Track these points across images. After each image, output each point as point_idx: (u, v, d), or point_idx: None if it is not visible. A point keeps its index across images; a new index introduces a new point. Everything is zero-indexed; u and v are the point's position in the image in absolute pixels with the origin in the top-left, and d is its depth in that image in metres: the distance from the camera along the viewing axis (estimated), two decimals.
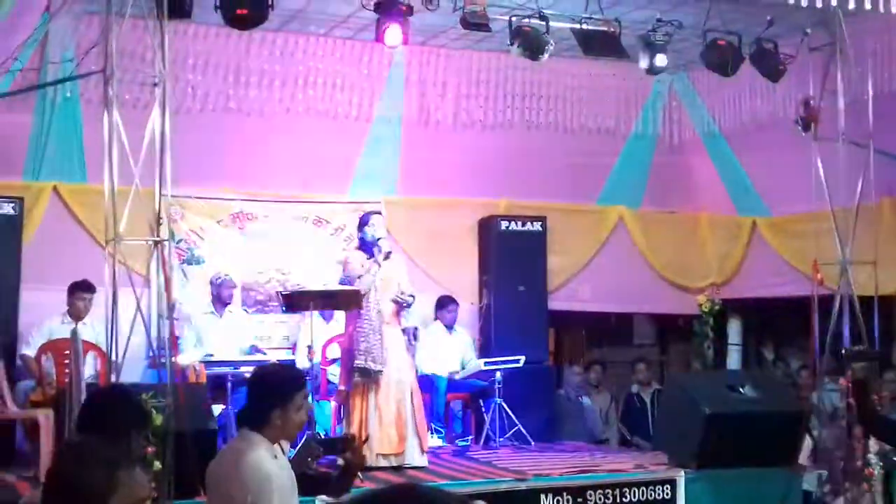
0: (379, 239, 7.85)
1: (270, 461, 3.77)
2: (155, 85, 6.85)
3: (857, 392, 5.57)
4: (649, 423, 10.07)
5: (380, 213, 8.30)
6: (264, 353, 8.91)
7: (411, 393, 7.83)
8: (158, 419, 6.16)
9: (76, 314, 8.32)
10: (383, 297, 7.79)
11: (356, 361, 7.63)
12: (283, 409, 3.82)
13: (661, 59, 8.50)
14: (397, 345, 7.87)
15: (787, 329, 10.99)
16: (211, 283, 9.08)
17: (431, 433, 8.82)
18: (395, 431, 7.63)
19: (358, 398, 7.69)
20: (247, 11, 7.27)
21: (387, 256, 7.78)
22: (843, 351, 7.64)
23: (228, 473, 3.75)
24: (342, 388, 7.95)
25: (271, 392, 3.88)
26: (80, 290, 8.29)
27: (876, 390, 6.24)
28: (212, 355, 8.55)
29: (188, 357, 8.36)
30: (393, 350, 7.79)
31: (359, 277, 7.73)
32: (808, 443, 7.53)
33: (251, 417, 3.85)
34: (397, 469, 7.56)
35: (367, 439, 7.21)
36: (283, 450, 3.99)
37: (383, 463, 7.58)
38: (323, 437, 7.62)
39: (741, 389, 7.76)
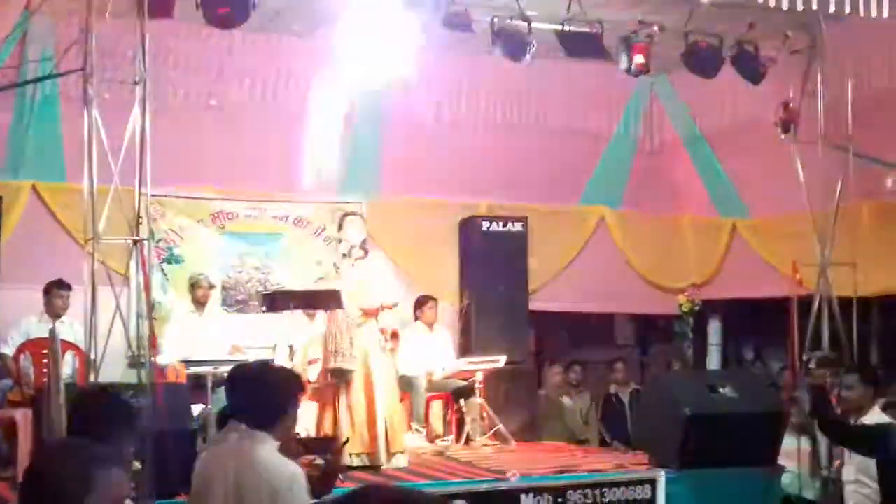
0: (358, 242, 7.86)
1: (284, 457, 3.77)
2: (136, 83, 6.82)
3: (815, 397, 5.60)
4: (627, 424, 10.09)
5: (354, 213, 8.25)
6: (244, 353, 8.87)
7: (386, 393, 7.81)
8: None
9: (54, 312, 8.28)
10: (361, 296, 7.79)
11: (329, 364, 7.63)
12: (291, 409, 3.85)
13: (639, 60, 8.52)
14: (372, 344, 7.85)
15: (767, 330, 11.04)
16: (189, 282, 9.05)
17: (412, 432, 8.82)
18: (366, 431, 7.61)
19: (330, 398, 7.67)
20: (228, 10, 7.25)
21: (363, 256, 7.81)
22: (804, 356, 7.68)
23: (247, 472, 3.72)
24: (317, 387, 7.94)
25: (280, 392, 3.88)
26: (57, 287, 8.26)
27: (835, 395, 6.25)
28: (193, 354, 8.51)
29: (167, 357, 8.32)
30: (367, 349, 7.78)
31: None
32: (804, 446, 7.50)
33: (257, 417, 3.83)
34: (376, 469, 7.55)
35: (346, 441, 7.21)
36: None
37: (356, 462, 7.57)
38: (303, 437, 7.60)
39: (721, 390, 7.77)
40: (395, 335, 8.10)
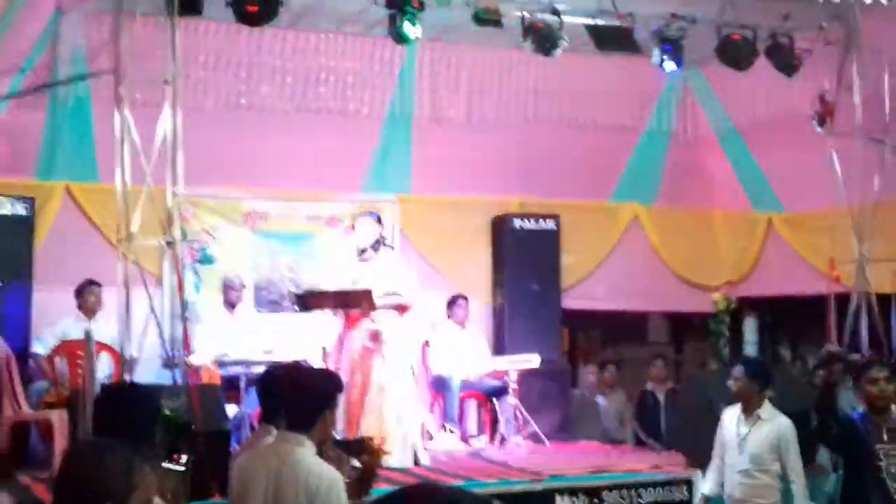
0: (370, 243, 7.84)
1: (324, 462, 3.74)
2: (166, 83, 6.83)
3: (822, 394, 5.54)
4: (661, 422, 9.98)
5: (367, 213, 8.20)
6: (272, 353, 8.86)
7: (399, 400, 7.74)
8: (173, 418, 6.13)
9: (90, 309, 8.34)
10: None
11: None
12: (330, 411, 3.82)
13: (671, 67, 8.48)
14: (361, 345, 7.80)
15: (804, 327, 10.90)
16: (221, 283, 9.07)
17: (445, 432, 8.78)
18: (376, 432, 7.59)
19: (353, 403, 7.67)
20: (257, 8, 7.25)
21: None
22: (822, 351, 7.58)
23: (286, 475, 3.69)
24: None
25: (318, 395, 3.86)
26: (88, 285, 8.33)
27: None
28: (226, 354, 8.52)
29: (201, 357, 8.32)
30: (378, 360, 7.75)
31: None
32: None
33: (294, 420, 3.80)
34: (406, 470, 7.51)
35: (382, 441, 7.17)
36: None
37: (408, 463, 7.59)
38: (339, 439, 7.58)
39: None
40: (377, 336, 7.97)
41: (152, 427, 3.89)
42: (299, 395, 3.88)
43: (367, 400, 7.66)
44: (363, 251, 7.90)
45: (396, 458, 7.46)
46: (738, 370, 6.21)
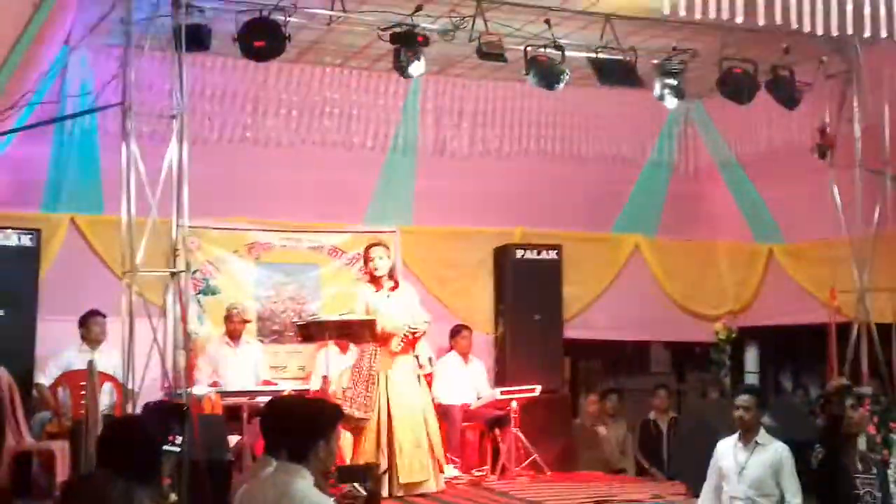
0: (385, 272, 7.92)
1: (322, 493, 3.75)
2: (173, 117, 6.90)
3: (829, 428, 5.58)
4: (664, 452, 9.98)
5: (377, 244, 8.27)
6: (276, 384, 8.90)
7: (424, 419, 7.84)
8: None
9: (93, 339, 8.36)
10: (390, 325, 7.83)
11: (343, 407, 7.71)
12: (326, 442, 3.81)
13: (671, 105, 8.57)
14: (407, 373, 7.87)
15: (806, 357, 10.93)
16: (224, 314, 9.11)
17: (447, 463, 8.78)
18: (416, 460, 7.64)
19: (370, 431, 7.70)
20: (264, 44, 7.32)
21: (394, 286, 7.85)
22: (830, 384, 7.59)
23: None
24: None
25: (316, 424, 3.85)
26: (93, 315, 8.36)
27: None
28: (228, 385, 8.55)
29: (203, 388, 8.35)
30: (402, 379, 7.81)
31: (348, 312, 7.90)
32: None
33: (293, 450, 3.82)
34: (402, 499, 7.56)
35: (386, 470, 7.21)
36: None
37: (415, 492, 7.63)
38: (340, 465, 7.61)
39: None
40: (430, 361, 8.08)
41: (157, 461, 3.91)
42: (294, 426, 3.89)
43: (402, 426, 7.73)
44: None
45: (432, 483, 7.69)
46: (747, 399, 6.25)
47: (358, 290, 8.29)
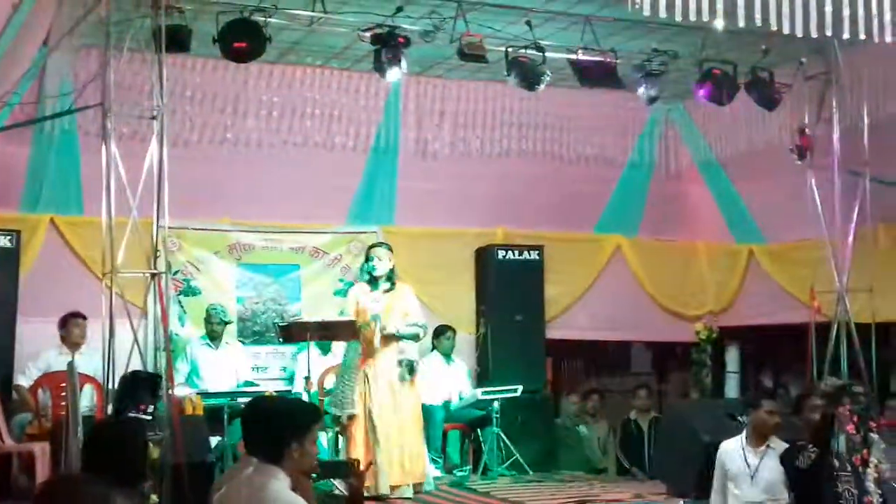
0: (385, 273, 7.90)
1: (294, 494, 3.74)
2: (153, 118, 6.88)
3: (821, 428, 5.60)
4: (645, 451, 10.00)
5: (383, 244, 8.28)
6: (258, 385, 8.88)
7: (411, 419, 7.84)
8: (156, 452, 6.14)
9: (73, 342, 8.32)
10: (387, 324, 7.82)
11: (330, 408, 7.70)
12: (300, 442, 3.79)
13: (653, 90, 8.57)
14: (391, 373, 7.86)
15: (786, 356, 10.98)
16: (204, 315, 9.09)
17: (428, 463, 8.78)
18: (401, 461, 7.64)
19: (357, 429, 7.69)
20: (245, 45, 7.32)
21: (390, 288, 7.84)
22: (825, 384, 7.62)
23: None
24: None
25: (289, 424, 3.83)
26: (73, 317, 8.32)
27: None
28: (209, 386, 8.54)
29: (184, 389, 8.33)
30: (386, 379, 7.80)
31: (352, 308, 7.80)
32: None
33: (267, 450, 3.81)
34: (381, 499, 7.55)
35: (370, 465, 7.20)
36: None
37: (407, 494, 7.67)
38: (325, 461, 7.61)
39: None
40: (412, 369, 8.07)
41: (140, 463, 3.90)
42: (266, 426, 3.88)
43: (399, 427, 7.74)
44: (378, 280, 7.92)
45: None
46: (775, 404, 6.28)
47: (350, 289, 8.25)
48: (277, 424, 3.84)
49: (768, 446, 6.12)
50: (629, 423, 10.23)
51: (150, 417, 4.34)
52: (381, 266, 7.93)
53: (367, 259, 8.03)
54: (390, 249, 8.12)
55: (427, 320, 9.50)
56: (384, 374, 7.82)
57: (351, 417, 7.73)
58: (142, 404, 4.54)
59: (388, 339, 7.85)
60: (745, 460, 6.15)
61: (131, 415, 4.19)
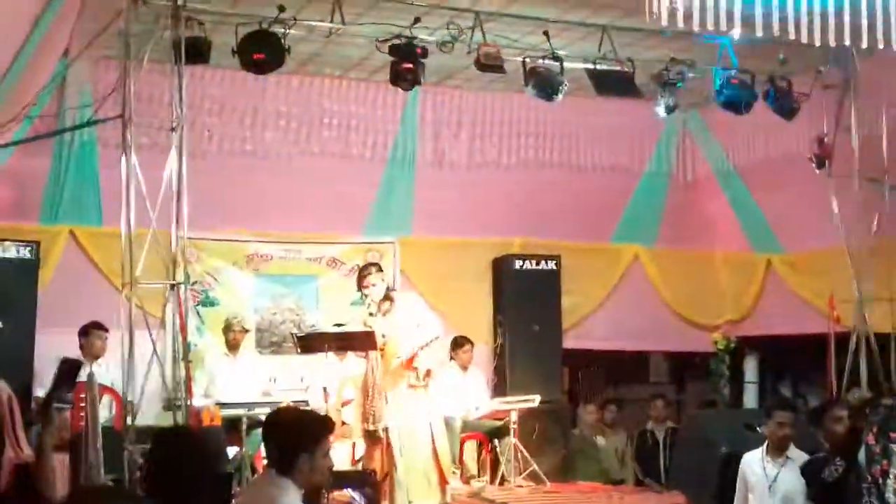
0: (380, 297, 7.87)
1: None
2: (172, 129, 6.91)
3: (849, 440, 5.57)
4: (660, 462, 9.96)
5: (372, 265, 8.24)
6: (275, 396, 8.88)
7: (431, 432, 7.83)
8: None
9: (94, 354, 8.33)
10: (398, 345, 7.79)
11: (363, 425, 7.67)
12: (311, 454, 3.77)
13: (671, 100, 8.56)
14: (408, 387, 7.85)
15: (805, 366, 10.92)
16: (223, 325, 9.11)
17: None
18: (421, 474, 7.61)
19: (376, 444, 7.68)
20: (263, 56, 7.35)
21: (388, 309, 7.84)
22: (852, 395, 7.58)
23: None
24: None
25: (300, 436, 3.82)
26: (96, 328, 8.33)
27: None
28: (228, 396, 8.55)
29: (202, 399, 8.35)
30: (405, 393, 7.79)
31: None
32: None
33: (278, 461, 3.81)
34: None
35: (387, 475, 7.19)
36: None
37: None
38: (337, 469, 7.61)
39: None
40: (428, 373, 8.06)
41: (199, 482, 3.79)
42: (277, 438, 3.88)
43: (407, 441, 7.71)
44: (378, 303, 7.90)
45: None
46: (788, 416, 6.20)
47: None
48: (287, 435, 3.84)
49: (787, 457, 6.10)
50: (645, 433, 10.20)
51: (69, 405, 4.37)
52: (376, 292, 7.88)
53: (364, 287, 7.94)
54: (380, 269, 8.06)
55: (441, 329, 9.55)
56: (402, 389, 7.80)
57: (384, 430, 7.69)
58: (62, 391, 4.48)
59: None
60: (765, 471, 6.14)
61: (57, 405, 4.18)
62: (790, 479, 6.03)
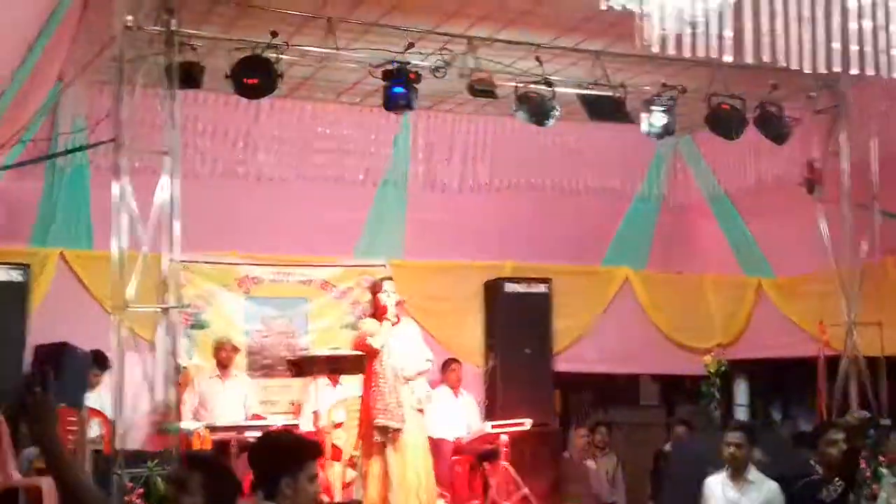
0: (395, 303, 7.87)
1: None
2: (164, 153, 6.91)
3: (847, 462, 5.58)
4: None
5: (391, 278, 8.28)
6: (265, 419, 8.86)
7: (422, 454, 7.82)
8: (163, 487, 6.13)
9: (92, 385, 8.23)
10: (400, 359, 7.79)
11: (376, 420, 7.57)
12: (293, 478, 3.74)
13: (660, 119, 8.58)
14: (408, 407, 7.85)
15: (795, 389, 10.94)
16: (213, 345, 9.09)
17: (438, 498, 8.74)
18: (413, 495, 7.59)
19: (373, 463, 7.64)
20: (257, 81, 7.36)
21: (397, 321, 7.83)
22: (850, 417, 7.58)
23: None
24: (355, 452, 7.94)
25: (281, 459, 3.79)
26: (102, 361, 8.22)
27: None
28: (218, 420, 8.51)
29: (193, 422, 8.31)
30: (406, 412, 7.78)
31: (371, 335, 7.73)
32: None
33: (262, 485, 3.79)
34: None
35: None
36: None
37: None
38: (326, 501, 7.58)
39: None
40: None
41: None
42: (259, 461, 3.87)
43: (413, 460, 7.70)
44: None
45: None
46: (738, 436, 6.24)
47: (364, 326, 8.19)
48: (270, 458, 3.82)
49: (748, 480, 6.13)
50: (660, 454, 10.14)
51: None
52: (391, 301, 7.93)
53: (377, 292, 8.00)
54: (392, 282, 8.12)
55: (434, 354, 9.55)
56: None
57: (396, 430, 7.64)
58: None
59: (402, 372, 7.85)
60: (725, 495, 6.16)
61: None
62: (750, 501, 6.04)
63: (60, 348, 6.91)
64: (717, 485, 6.24)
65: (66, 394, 6.06)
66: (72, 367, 6.71)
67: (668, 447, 10.11)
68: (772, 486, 6.09)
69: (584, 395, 11.72)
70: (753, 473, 6.15)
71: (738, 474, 6.14)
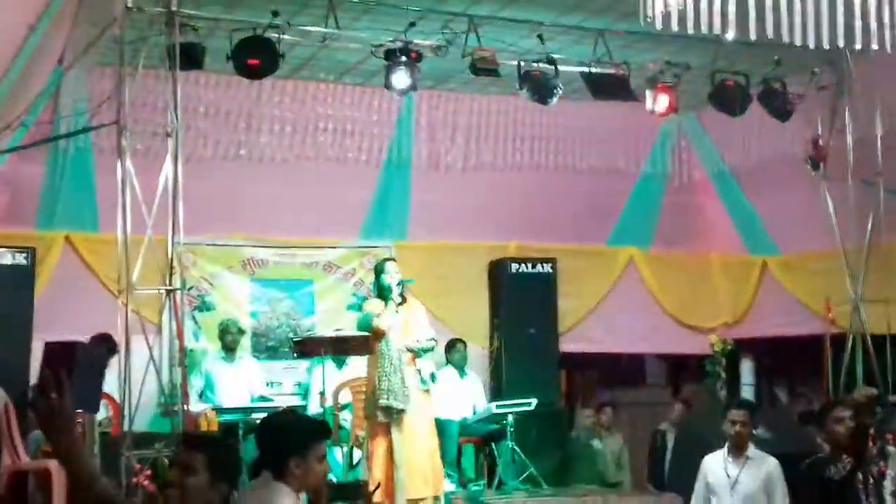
0: (398, 284, 7.83)
1: None
2: (167, 134, 6.91)
3: (856, 440, 5.57)
4: (665, 465, 9.93)
5: (394, 259, 8.28)
6: (272, 400, 8.88)
7: (429, 434, 7.82)
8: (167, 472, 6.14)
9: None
10: (405, 339, 7.78)
11: (380, 400, 7.57)
12: (302, 458, 3.76)
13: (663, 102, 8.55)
14: (414, 387, 7.84)
15: (801, 368, 10.93)
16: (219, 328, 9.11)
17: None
18: (420, 475, 7.58)
19: (378, 444, 7.64)
20: (258, 62, 7.36)
21: (402, 301, 7.79)
22: (858, 394, 7.57)
23: None
24: (359, 432, 7.93)
25: (289, 439, 3.81)
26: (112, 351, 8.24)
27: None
28: (224, 401, 8.54)
29: (199, 405, 8.34)
30: (412, 393, 7.78)
31: (377, 315, 7.70)
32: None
33: (271, 465, 3.80)
34: None
35: (378, 486, 7.17)
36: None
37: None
38: (333, 482, 7.58)
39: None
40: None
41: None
42: (269, 441, 3.88)
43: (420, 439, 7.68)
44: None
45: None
46: (741, 414, 6.27)
47: (365, 304, 8.17)
48: (278, 439, 3.83)
49: (748, 457, 6.17)
50: (657, 434, 10.16)
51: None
52: (394, 280, 7.91)
53: (381, 273, 7.98)
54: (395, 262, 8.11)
55: (439, 334, 9.55)
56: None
57: (401, 411, 7.63)
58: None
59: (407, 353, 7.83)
60: (726, 471, 6.19)
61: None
62: (751, 479, 6.09)
63: (74, 348, 6.89)
64: (716, 462, 6.26)
65: (81, 398, 6.05)
66: (87, 369, 6.70)
67: (663, 426, 10.11)
68: (771, 462, 6.13)
69: (590, 375, 11.72)
70: (753, 450, 6.18)
71: (738, 451, 6.16)
